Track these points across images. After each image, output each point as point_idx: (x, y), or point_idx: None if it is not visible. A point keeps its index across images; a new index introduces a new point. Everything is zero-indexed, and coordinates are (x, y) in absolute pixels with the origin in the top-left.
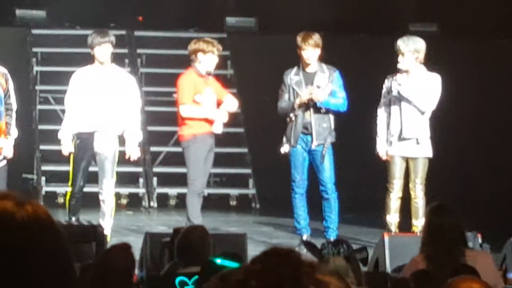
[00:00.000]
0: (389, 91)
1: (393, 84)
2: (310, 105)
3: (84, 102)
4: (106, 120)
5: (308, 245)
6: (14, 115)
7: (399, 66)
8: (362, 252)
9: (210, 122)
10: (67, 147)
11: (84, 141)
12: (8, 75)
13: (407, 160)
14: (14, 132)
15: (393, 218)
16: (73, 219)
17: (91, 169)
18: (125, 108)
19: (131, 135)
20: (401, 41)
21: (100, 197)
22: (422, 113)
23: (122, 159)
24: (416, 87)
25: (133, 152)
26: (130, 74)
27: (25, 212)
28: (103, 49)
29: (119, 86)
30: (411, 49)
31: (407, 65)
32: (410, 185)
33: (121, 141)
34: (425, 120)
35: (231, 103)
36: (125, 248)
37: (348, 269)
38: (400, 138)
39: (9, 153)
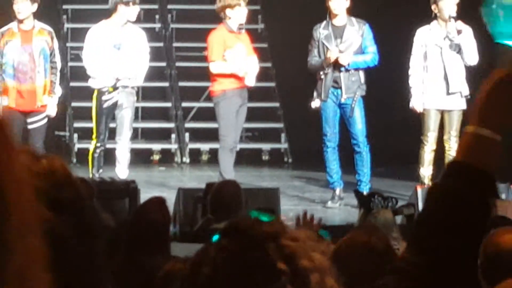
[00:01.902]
0: (423, 44)
1: (435, 35)
2: (338, 63)
3: (102, 58)
4: (124, 75)
5: (358, 195)
6: (58, 73)
7: (447, 13)
8: (409, 207)
9: (241, 77)
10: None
11: (104, 96)
12: (53, 34)
13: (442, 112)
14: (59, 91)
15: (426, 170)
16: (96, 175)
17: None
18: (137, 62)
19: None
20: None
21: (118, 147)
22: (469, 65)
23: (155, 115)
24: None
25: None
26: (143, 31)
27: (41, 165)
28: (136, 9)
29: (134, 42)
30: None
31: (452, 11)
32: (445, 137)
33: (146, 95)
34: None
35: (252, 67)
36: (160, 202)
37: (394, 223)
38: (448, 93)
39: (53, 112)
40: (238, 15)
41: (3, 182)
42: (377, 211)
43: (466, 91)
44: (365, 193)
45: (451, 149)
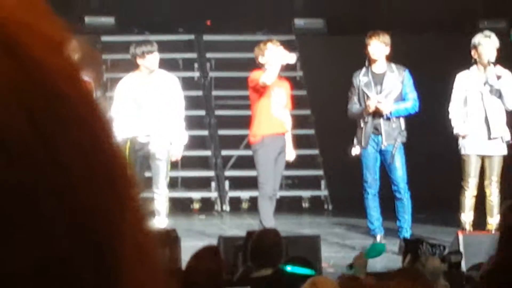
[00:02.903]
0: (463, 89)
1: (475, 80)
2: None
3: (133, 108)
4: (157, 124)
5: (406, 241)
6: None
7: (486, 58)
8: (457, 255)
9: (279, 123)
10: None
11: (137, 146)
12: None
13: (482, 158)
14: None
15: (467, 216)
16: None
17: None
18: (172, 111)
19: (176, 136)
20: (483, 35)
21: (156, 197)
22: (510, 110)
23: (195, 163)
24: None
25: (177, 153)
26: (174, 76)
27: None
28: (154, 58)
29: (165, 90)
30: (495, 42)
31: (493, 57)
32: (486, 183)
33: (186, 144)
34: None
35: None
36: (214, 250)
37: (441, 271)
38: (489, 138)
39: None
40: (270, 56)
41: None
42: (425, 259)
43: (507, 136)
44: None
45: (492, 195)
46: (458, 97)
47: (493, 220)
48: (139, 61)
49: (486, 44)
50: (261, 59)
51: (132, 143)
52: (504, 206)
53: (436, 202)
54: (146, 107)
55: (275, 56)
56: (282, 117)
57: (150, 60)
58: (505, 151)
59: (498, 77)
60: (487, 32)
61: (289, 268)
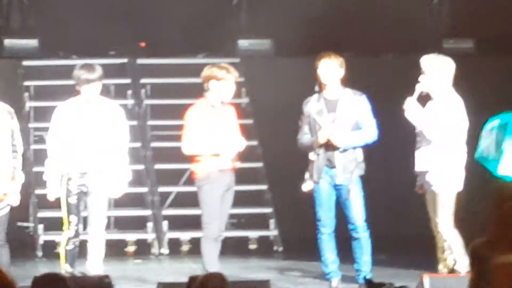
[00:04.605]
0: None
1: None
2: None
3: (71, 139)
4: (96, 158)
5: (368, 284)
6: (20, 158)
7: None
8: None
9: (227, 158)
10: (54, 191)
11: (75, 182)
12: (14, 114)
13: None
14: (21, 177)
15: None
16: (69, 271)
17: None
18: (114, 144)
19: (118, 173)
20: (427, 58)
21: (91, 239)
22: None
23: (129, 201)
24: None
25: (119, 191)
26: (118, 106)
27: None
28: (92, 88)
29: (108, 121)
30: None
31: (429, 86)
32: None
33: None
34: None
35: (235, 146)
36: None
37: None
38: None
39: (15, 201)
40: (222, 90)
41: None
42: None
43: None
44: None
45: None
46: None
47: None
48: (82, 88)
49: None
50: (213, 85)
51: (68, 179)
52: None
53: (399, 241)
54: (85, 139)
55: (218, 136)
56: (230, 150)
57: (93, 88)
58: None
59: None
60: (431, 55)
61: None
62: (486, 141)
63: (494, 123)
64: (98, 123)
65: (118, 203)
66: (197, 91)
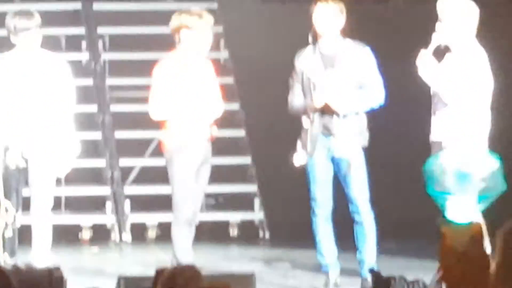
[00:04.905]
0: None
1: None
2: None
3: (3, 102)
4: (36, 125)
5: (374, 277)
6: None
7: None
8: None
9: (202, 123)
10: None
11: (11, 154)
12: None
13: None
14: None
15: None
16: (9, 262)
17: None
18: (58, 108)
19: (63, 144)
20: (445, 2)
21: (35, 225)
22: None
23: (84, 178)
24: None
25: (65, 167)
26: (62, 59)
27: None
28: (30, 38)
29: (49, 78)
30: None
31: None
32: None
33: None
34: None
35: (213, 110)
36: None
37: None
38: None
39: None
40: (197, 41)
41: None
42: None
43: None
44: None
45: None
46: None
47: None
48: (13, 39)
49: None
50: (184, 35)
51: (5, 151)
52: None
53: (410, 226)
54: (22, 101)
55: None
56: (206, 115)
57: (29, 38)
58: None
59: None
60: None
61: None
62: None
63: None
64: (37, 82)
65: (70, 180)
66: (166, 43)
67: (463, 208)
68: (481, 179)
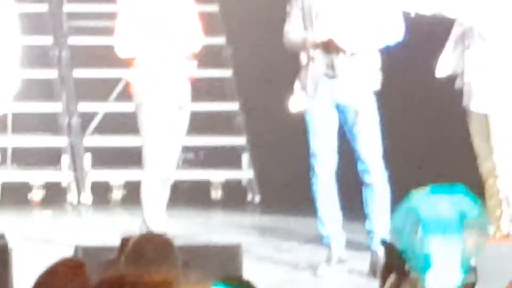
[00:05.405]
0: None
1: None
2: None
3: None
4: None
5: (387, 249)
6: None
7: None
8: (469, 273)
9: (178, 60)
10: None
11: None
12: None
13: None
14: None
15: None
16: None
17: None
18: None
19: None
20: None
21: None
22: None
23: (34, 125)
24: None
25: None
26: None
27: None
28: None
29: None
30: None
31: None
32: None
33: (19, 93)
34: None
35: (191, 42)
36: (74, 267)
37: None
38: None
39: None
40: None
41: None
42: (417, 276)
43: None
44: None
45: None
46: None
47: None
48: None
49: None
50: None
51: None
52: None
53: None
54: None
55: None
56: (184, 49)
57: None
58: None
59: None
60: None
61: None
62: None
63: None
64: None
65: (18, 127)
66: None
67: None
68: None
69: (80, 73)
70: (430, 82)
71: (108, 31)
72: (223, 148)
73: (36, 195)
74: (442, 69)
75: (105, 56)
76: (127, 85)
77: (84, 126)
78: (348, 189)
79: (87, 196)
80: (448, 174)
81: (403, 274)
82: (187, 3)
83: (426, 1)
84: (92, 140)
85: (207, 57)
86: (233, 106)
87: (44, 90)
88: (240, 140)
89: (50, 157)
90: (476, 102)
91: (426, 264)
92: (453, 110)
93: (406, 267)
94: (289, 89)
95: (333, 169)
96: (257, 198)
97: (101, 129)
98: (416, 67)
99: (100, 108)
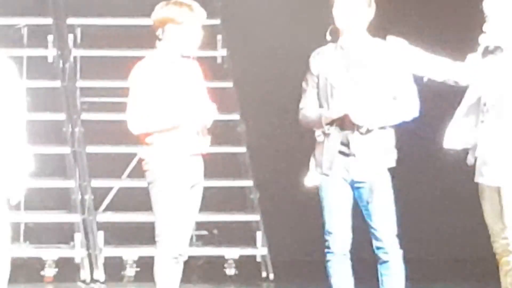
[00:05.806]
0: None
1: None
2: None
3: None
4: None
5: None
6: None
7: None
8: None
9: (192, 137)
10: None
11: None
12: None
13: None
14: None
15: None
16: None
17: None
18: (6, 117)
19: (14, 161)
20: None
21: None
22: None
23: (47, 202)
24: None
25: (18, 191)
26: (10, 60)
27: None
28: None
29: None
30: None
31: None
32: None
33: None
34: None
35: (205, 115)
36: None
37: None
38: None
39: None
40: (184, 38)
41: None
42: None
43: None
44: None
45: None
46: (469, 94)
47: None
48: None
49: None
50: (169, 31)
51: None
52: None
53: (445, 266)
54: None
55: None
56: (196, 125)
57: None
58: None
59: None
60: None
61: None
62: None
63: None
64: None
65: (31, 205)
66: (148, 38)
67: None
68: None
69: (93, 149)
70: (441, 155)
71: (122, 107)
72: (237, 224)
73: (49, 271)
74: (451, 141)
75: (118, 132)
76: (139, 161)
77: (97, 203)
78: (363, 266)
79: (100, 273)
80: (463, 252)
81: None
82: (199, 79)
83: (439, 66)
84: (105, 216)
85: (221, 132)
86: (247, 182)
87: (57, 167)
88: (254, 217)
89: (63, 234)
90: (489, 175)
91: None
92: (466, 185)
93: None
94: (304, 165)
95: (348, 247)
96: (271, 275)
97: (114, 206)
98: (431, 142)
99: (113, 184)
